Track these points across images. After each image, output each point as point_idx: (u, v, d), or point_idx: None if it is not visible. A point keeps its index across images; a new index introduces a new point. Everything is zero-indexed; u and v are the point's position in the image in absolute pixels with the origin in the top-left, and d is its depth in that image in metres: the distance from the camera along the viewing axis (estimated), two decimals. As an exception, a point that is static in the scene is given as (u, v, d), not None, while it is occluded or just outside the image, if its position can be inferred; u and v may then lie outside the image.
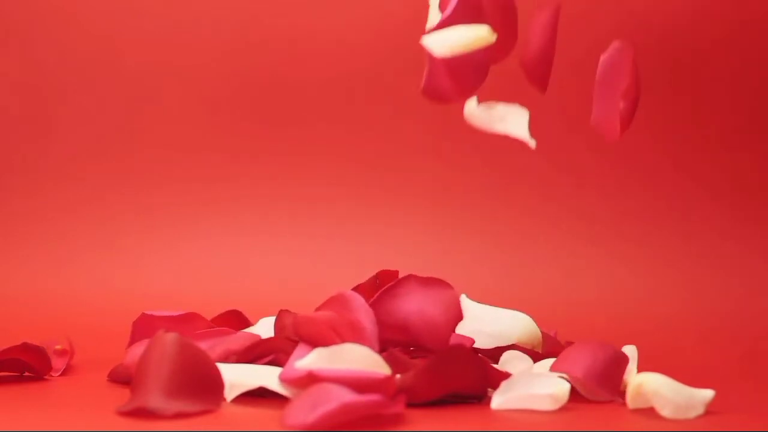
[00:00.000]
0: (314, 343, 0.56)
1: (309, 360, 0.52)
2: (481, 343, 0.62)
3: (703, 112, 0.95)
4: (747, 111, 0.95)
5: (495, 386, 0.55)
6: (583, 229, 0.95)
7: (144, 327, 0.63)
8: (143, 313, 0.63)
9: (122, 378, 0.60)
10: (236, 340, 0.58)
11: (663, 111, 0.96)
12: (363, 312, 0.57)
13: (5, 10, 0.99)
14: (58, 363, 0.64)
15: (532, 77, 0.58)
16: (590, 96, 0.59)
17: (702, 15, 0.95)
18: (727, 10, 0.95)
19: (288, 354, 0.57)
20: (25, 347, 0.61)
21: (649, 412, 0.54)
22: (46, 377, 0.62)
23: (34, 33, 0.98)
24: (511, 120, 0.58)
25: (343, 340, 0.56)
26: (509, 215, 0.95)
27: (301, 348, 0.55)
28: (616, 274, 0.93)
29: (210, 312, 0.71)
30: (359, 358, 0.52)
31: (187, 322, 0.63)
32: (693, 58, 0.96)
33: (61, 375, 0.63)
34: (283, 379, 0.53)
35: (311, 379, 0.51)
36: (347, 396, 0.49)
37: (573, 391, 0.56)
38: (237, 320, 0.67)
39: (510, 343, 0.62)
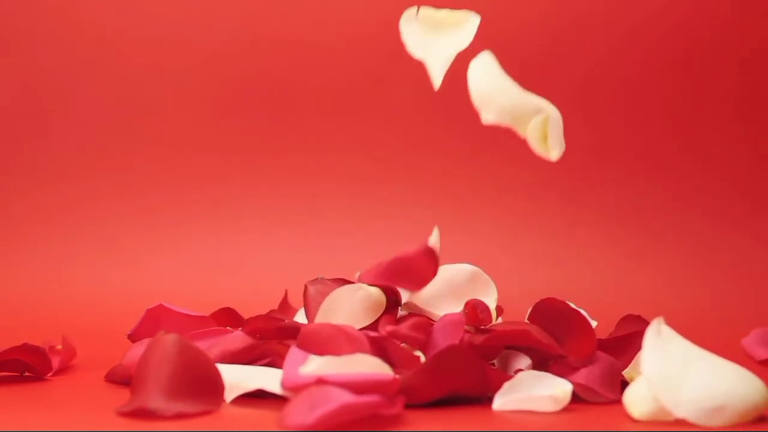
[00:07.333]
0: (318, 352, 0.55)
1: (314, 366, 0.51)
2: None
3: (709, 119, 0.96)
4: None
5: (495, 388, 0.55)
6: (593, 225, 0.95)
7: (155, 318, 0.63)
8: (160, 303, 0.63)
9: (120, 378, 0.60)
10: (233, 342, 0.58)
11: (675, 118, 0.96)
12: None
13: (5, 11, 0.99)
14: (53, 362, 0.63)
15: None
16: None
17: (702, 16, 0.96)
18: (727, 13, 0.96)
19: (283, 357, 0.56)
20: (25, 347, 0.61)
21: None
22: (46, 377, 0.62)
23: (34, 33, 0.98)
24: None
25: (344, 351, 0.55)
26: (521, 210, 0.95)
27: (294, 352, 0.55)
28: (620, 271, 0.93)
29: (210, 311, 0.71)
30: (363, 364, 0.52)
31: (198, 323, 0.63)
32: (706, 48, 0.96)
33: (60, 375, 0.63)
34: (287, 387, 0.53)
35: (316, 383, 0.51)
36: (346, 397, 0.49)
37: (575, 392, 0.56)
38: (231, 318, 0.67)
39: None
